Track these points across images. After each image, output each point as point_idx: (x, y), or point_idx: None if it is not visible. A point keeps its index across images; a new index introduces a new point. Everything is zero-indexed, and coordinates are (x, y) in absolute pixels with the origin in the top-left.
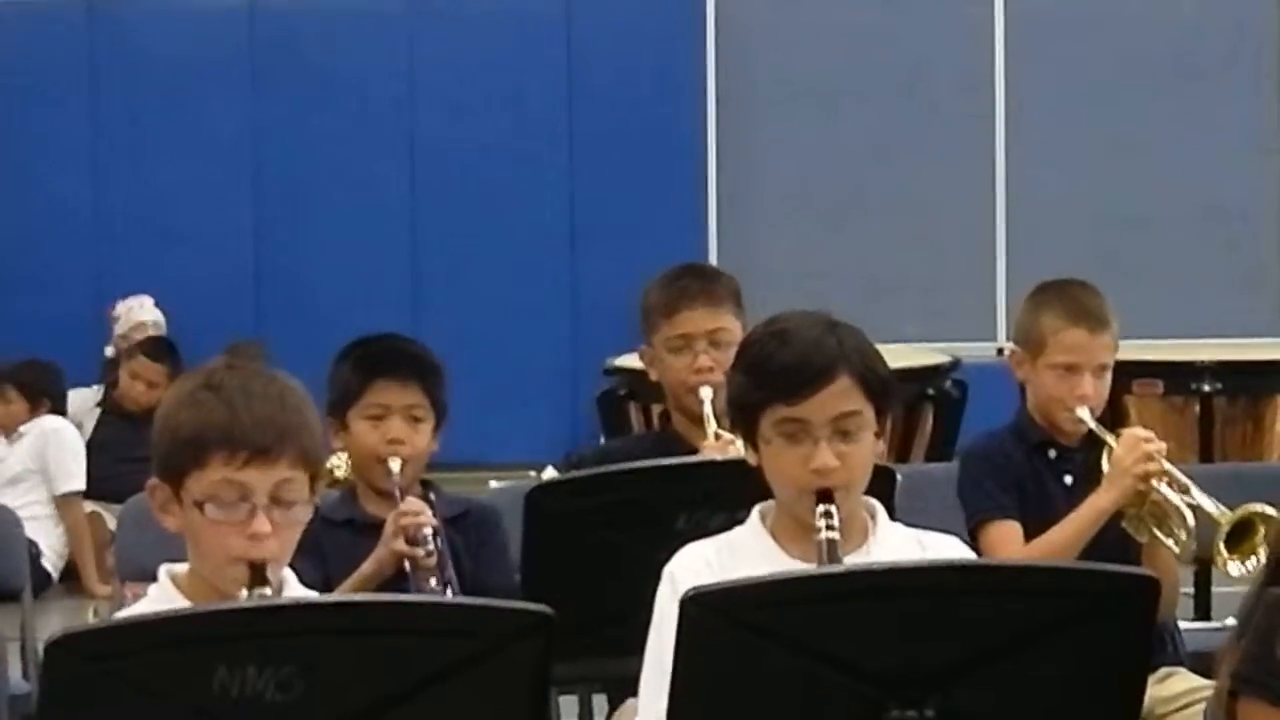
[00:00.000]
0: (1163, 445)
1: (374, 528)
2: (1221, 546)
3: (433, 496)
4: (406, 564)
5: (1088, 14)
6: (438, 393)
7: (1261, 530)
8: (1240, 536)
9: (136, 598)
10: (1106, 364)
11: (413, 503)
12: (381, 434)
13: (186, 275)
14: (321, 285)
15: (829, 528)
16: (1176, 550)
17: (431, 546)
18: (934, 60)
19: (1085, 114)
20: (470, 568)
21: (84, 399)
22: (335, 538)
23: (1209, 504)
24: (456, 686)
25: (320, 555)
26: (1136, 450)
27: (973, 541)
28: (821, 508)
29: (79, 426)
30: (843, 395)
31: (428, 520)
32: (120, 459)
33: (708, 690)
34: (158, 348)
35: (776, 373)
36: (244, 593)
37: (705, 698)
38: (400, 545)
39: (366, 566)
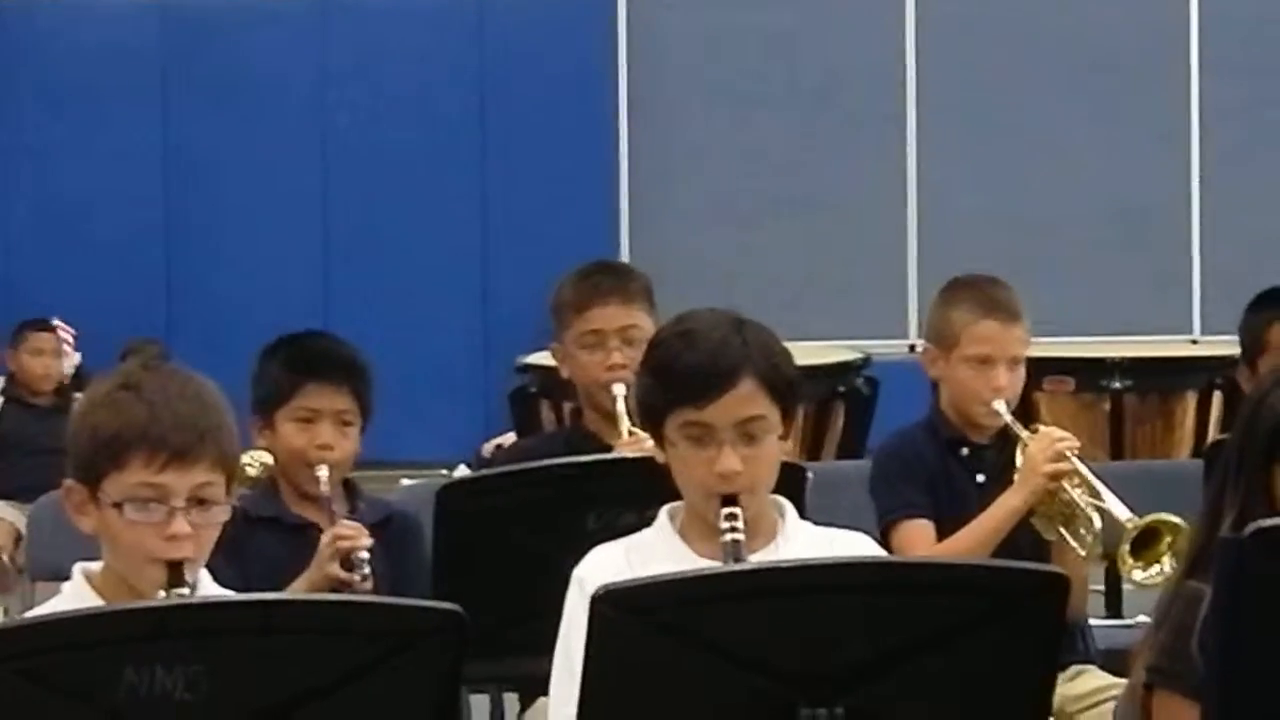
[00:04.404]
0: (1076, 444)
1: (298, 528)
2: (1126, 553)
3: (362, 505)
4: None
5: (998, 16)
6: (366, 396)
7: (1168, 538)
8: (1146, 543)
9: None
10: (1019, 356)
11: (350, 525)
12: (310, 438)
13: (96, 277)
14: (232, 285)
15: (733, 529)
16: (1082, 552)
17: (367, 570)
18: (845, 62)
19: (995, 115)
20: (389, 577)
21: None
22: (256, 535)
23: (1118, 508)
24: (366, 685)
25: (238, 554)
26: (1050, 449)
27: (884, 541)
28: (726, 510)
29: None
30: (747, 399)
31: (364, 544)
32: (26, 453)
33: (618, 689)
34: (43, 322)
35: (681, 376)
36: (161, 593)
37: (616, 697)
38: (336, 570)
39: (299, 585)
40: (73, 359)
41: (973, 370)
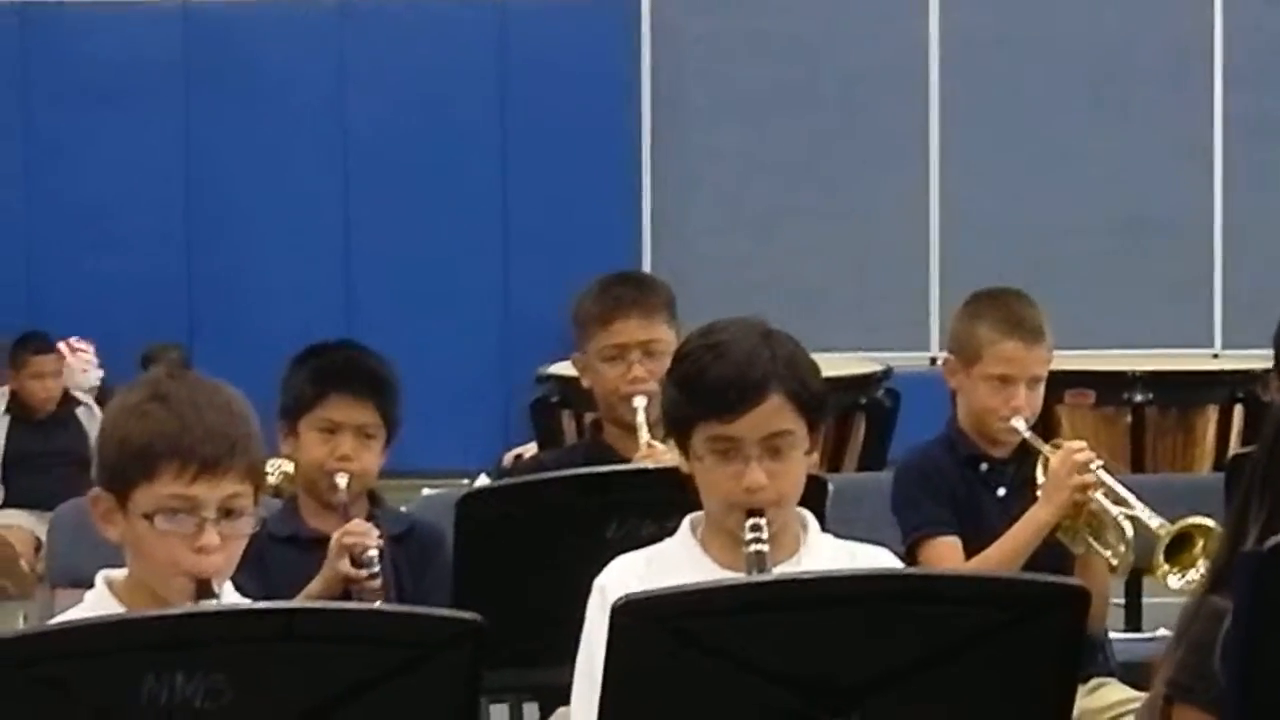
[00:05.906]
0: (1094, 456)
1: (317, 542)
2: (1161, 559)
3: (378, 513)
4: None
5: (1020, 27)
6: (391, 410)
7: (1200, 542)
8: (1179, 549)
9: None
10: (1040, 376)
11: (358, 524)
12: (331, 449)
13: (118, 279)
14: (253, 289)
15: (757, 540)
16: (1115, 563)
17: (376, 569)
18: (868, 72)
19: (1018, 125)
20: (410, 589)
21: None
22: (279, 554)
23: (1148, 516)
24: (386, 694)
25: (264, 570)
26: (1071, 462)
27: (911, 559)
28: (750, 520)
29: None
30: (774, 414)
31: (372, 542)
32: (32, 467)
33: (638, 699)
34: (43, 341)
35: (708, 389)
36: (189, 603)
37: (636, 707)
38: (345, 566)
39: (314, 586)
40: (92, 376)
41: (992, 388)
